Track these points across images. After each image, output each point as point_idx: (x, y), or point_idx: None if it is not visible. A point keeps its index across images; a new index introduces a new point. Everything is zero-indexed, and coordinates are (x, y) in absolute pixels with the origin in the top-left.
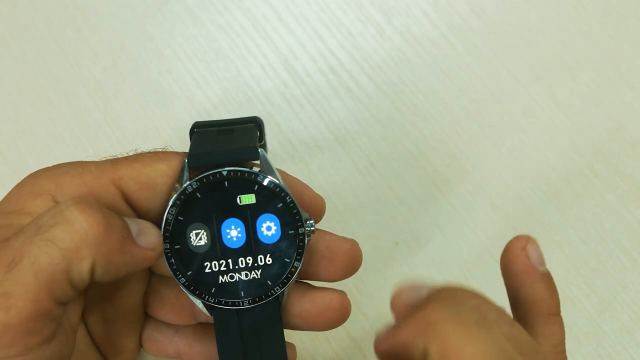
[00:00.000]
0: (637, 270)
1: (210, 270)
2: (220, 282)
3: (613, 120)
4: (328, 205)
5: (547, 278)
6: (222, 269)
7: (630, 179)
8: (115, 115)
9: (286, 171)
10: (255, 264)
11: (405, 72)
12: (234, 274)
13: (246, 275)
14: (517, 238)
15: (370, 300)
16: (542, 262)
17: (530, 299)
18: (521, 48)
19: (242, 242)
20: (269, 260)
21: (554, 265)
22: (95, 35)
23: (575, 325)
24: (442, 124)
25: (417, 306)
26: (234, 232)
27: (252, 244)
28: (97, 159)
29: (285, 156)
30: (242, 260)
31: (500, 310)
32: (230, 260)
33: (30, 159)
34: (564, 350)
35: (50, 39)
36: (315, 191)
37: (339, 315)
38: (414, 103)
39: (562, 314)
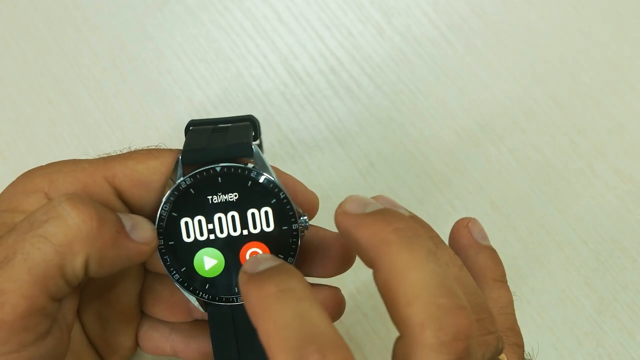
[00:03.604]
0: (637, 270)
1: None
2: (213, 278)
3: (613, 120)
4: (328, 205)
5: (490, 250)
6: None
7: (630, 179)
8: (115, 115)
9: (286, 171)
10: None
11: (405, 72)
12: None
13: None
14: (461, 219)
15: (370, 301)
16: (485, 238)
17: (476, 268)
18: (521, 48)
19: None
20: None
21: (553, 265)
22: (95, 35)
23: (575, 325)
24: (442, 124)
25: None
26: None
27: (246, 239)
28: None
29: (285, 156)
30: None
31: (452, 254)
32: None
33: (30, 159)
34: (511, 313)
35: (50, 39)
36: (311, 189)
37: (333, 311)
38: (414, 103)
39: (562, 313)
